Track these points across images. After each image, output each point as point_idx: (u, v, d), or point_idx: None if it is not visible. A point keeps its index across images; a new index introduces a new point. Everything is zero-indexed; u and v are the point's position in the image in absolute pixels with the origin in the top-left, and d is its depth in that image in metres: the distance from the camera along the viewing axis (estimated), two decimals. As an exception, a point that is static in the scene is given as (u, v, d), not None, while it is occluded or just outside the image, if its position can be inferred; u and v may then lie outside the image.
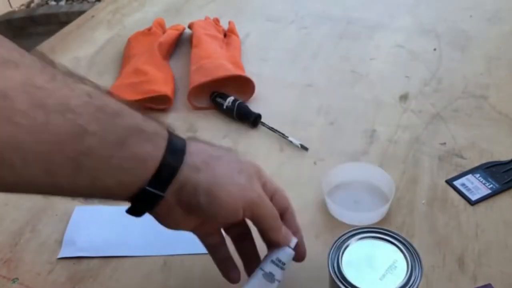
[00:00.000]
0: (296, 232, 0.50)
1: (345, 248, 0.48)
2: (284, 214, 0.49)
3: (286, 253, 0.49)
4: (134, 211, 0.43)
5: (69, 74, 0.38)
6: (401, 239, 0.49)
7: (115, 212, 0.66)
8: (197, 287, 0.58)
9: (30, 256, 0.62)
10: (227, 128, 0.80)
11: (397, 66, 0.91)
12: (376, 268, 0.46)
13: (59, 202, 0.68)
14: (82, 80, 0.39)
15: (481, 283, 0.55)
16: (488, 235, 0.60)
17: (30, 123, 0.34)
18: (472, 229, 0.61)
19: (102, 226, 0.64)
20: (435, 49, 0.94)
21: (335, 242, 0.49)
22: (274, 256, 0.49)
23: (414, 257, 0.47)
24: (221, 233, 0.52)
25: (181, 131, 0.79)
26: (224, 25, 1.02)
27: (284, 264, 0.49)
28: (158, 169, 0.40)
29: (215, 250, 0.52)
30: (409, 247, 0.48)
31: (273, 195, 0.48)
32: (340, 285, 0.45)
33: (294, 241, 0.49)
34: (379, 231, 0.49)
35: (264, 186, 0.47)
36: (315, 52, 0.97)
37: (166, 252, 0.61)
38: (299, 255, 0.50)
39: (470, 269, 0.57)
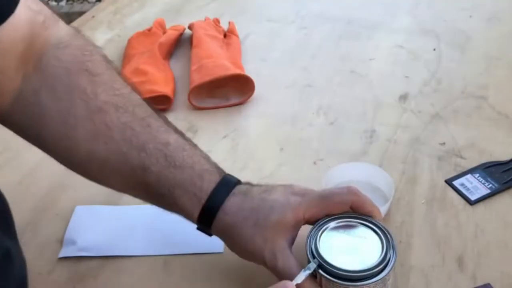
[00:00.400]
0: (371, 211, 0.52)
1: (322, 232, 0.49)
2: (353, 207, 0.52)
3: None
4: None
5: (165, 122, 0.55)
6: (374, 221, 0.50)
7: (115, 212, 0.67)
8: (197, 287, 0.58)
9: (30, 256, 0.61)
10: (227, 128, 0.80)
11: (397, 66, 0.91)
12: (353, 249, 0.48)
13: (60, 202, 0.69)
14: (172, 130, 0.54)
15: (480, 283, 0.55)
16: (488, 235, 0.60)
17: (117, 149, 0.51)
18: (472, 229, 0.61)
19: (102, 226, 0.65)
20: (434, 49, 0.94)
21: (312, 229, 0.50)
22: None
23: (388, 238, 0.48)
24: None
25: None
26: (224, 25, 1.03)
27: None
28: (197, 220, 0.53)
29: None
30: (383, 228, 0.49)
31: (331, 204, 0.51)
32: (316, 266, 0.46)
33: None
34: (354, 216, 0.50)
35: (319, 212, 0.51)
36: (315, 52, 0.97)
37: (166, 252, 0.61)
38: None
39: (470, 269, 0.57)
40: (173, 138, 0.53)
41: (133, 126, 0.51)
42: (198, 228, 0.54)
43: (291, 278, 0.46)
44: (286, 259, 0.48)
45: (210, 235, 0.54)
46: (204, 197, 0.51)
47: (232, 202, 0.52)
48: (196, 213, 0.52)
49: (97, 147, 0.51)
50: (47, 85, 0.51)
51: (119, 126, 0.51)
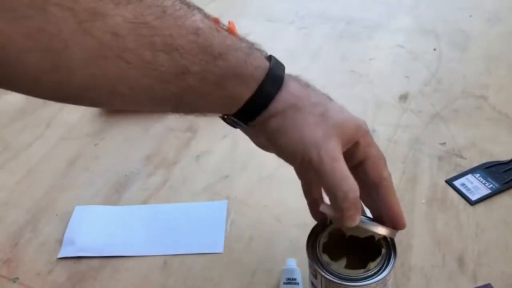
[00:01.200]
0: (389, 208, 0.46)
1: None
2: (377, 185, 0.46)
3: (292, 271, 0.55)
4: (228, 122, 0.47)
5: (181, 3, 0.39)
6: (371, 220, 0.49)
7: (115, 212, 0.67)
8: (197, 287, 0.58)
9: (30, 256, 0.62)
10: (227, 128, 0.80)
11: (397, 66, 0.91)
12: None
13: (60, 202, 0.69)
14: (192, 9, 0.40)
15: (480, 283, 0.55)
16: (488, 235, 0.60)
17: (138, 60, 0.37)
18: (472, 229, 0.61)
19: (102, 226, 0.65)
20: (435, 49, 0.94)
21: (313, 228, 0.50)
22: (284, 278, 0.55)
23: (388, 238, 0.48)
24: None
25: (181, 131, 0.80)
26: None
27: (295, 279, 0.54)
28: (244, 107, 0.43)
29: (309, 189, 0.51)
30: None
31: (364, 160, 0.45)
32: (316, 267, 0.46)
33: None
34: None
35: (355, 146, 0.45)
36: (315, 52, 0.97)
37: (166, 252, 0.61)
38: (399, 226, 0.46)
39: (470, 269, 0.57)
40: (198, 18, 0.40)
41: (147, 20, 0.36)
42: (234, 116, 0.45)
43: (343, 181, 0.41)
44: (343, 164, 0.42)
45: (246, 124, 0.46)
46: (262, 73, 0.42)
47: (295, 86, 0.44)
48: (249, 95, 0.43)
49: (106, 68, 0.37)
50: None
51: (130, 28, 0.36)
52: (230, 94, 0.42)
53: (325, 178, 0.42)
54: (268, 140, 0.46)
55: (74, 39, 0.34)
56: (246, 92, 0.43)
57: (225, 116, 0.47)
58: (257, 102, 0.43)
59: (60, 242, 0.63)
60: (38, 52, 0.34)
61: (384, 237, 0.48)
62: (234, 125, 0.47)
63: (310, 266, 0.48)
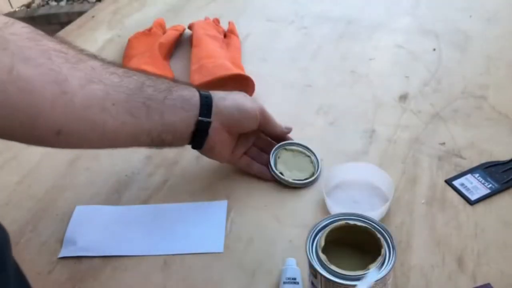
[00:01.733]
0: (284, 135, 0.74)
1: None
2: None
3: (292, 271, 0.56)
4: (196, 142, 0.63)
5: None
6: (374, 222, 0.49)
7: (115, 212, 0.67)
8: (197, 287, 0.58)
9: (30, 256, 0.62)
10: (227, 128, 0.80)
11: (396, 66, 0.91)
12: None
13: (60, 202, 0.69)
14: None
15: (480, 283, 0.55)
16: (487, 235, 0.60)
17: (112, 82, 0.55)
18: (472, 228, 0.61)
19: (102, 226, 0.65)
20: (434, 49, 0.94)
21: (312, 229, 0.50)
22: (284, 278, 0.55)
23: (388, 238, 0.48)
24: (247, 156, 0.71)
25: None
26: (224, 25, 1.03)
27: (295, 279, 0.55)
28: (200, 104, 0.61)
29: (250, 166, 0.70)
30: (382, 229, 0.49)
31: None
32: (316, 266, 0.46)
33: None
34: (353, 216, 0.50)
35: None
36: (315, 52, 0.97)
37: (166, 252, 0.61)
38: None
39: (469, 269, 0.57)
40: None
41: (109, 63, 0.57)
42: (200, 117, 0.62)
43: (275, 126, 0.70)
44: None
45: (209, 110, 0.62)
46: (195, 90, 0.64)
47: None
48: (197, 95, 0.62)
49: (94, 90, 0.53)
50: None
51: (100, 65, 0.55)
52: (180, 96, 0.60)
53: (270, 120, 0.69)
54: (235, 113, 0.65)
55: (70, 73, 0.51)
56: (192, 94, 0.62)
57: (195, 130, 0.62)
58: (205, 97, 0.62)
59: (60, 242, 0.63)
60: (52, 83, 0.50)
61: (385, 237, 0.48)
62: (203, 132, 0.62)
63: (310, 266, 0.48)
